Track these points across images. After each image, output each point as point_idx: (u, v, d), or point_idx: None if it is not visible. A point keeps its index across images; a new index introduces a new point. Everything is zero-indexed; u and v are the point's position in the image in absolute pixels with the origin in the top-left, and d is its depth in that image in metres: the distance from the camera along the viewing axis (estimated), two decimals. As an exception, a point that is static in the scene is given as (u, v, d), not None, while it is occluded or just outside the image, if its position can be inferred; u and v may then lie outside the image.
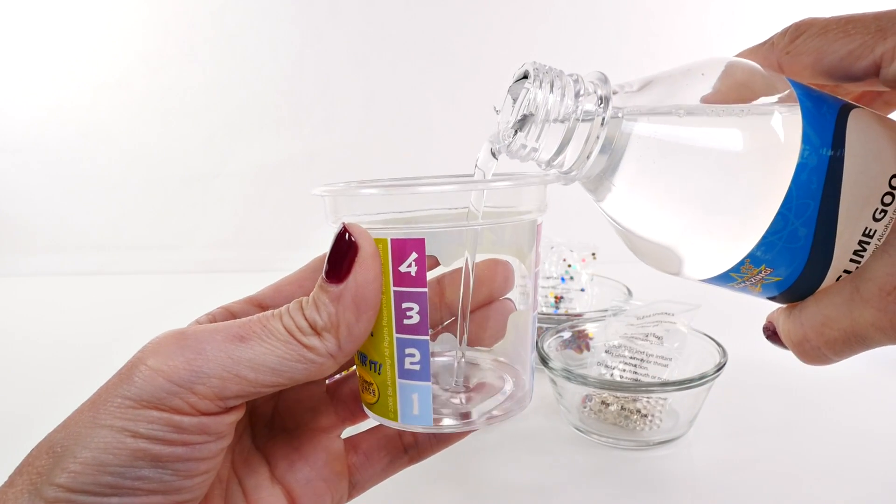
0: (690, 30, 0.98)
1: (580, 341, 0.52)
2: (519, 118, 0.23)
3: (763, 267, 0.22)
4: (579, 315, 0.56)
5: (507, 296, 0.27)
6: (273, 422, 0.28)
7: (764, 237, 0.21)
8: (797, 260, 0.22)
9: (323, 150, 1.04)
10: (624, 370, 0.47)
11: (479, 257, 0.26)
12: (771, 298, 0.25)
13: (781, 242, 0.21)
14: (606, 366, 0.48)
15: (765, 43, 0.24)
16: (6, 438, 0.48)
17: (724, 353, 0.44)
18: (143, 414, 0.20)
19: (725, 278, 0.23)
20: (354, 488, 0.28)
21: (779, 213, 0.21)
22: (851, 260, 0.22)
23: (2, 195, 1.04)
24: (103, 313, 0.84)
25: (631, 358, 0.48)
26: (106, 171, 1.04)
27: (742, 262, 0.22)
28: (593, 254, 0.68)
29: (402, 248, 0.22)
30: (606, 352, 0.49)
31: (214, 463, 0.22)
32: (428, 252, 0.22)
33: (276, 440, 0.28)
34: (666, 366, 0.46)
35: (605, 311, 0.53)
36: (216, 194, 1.05)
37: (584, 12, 0.99)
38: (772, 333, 0.25)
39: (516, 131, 0.23)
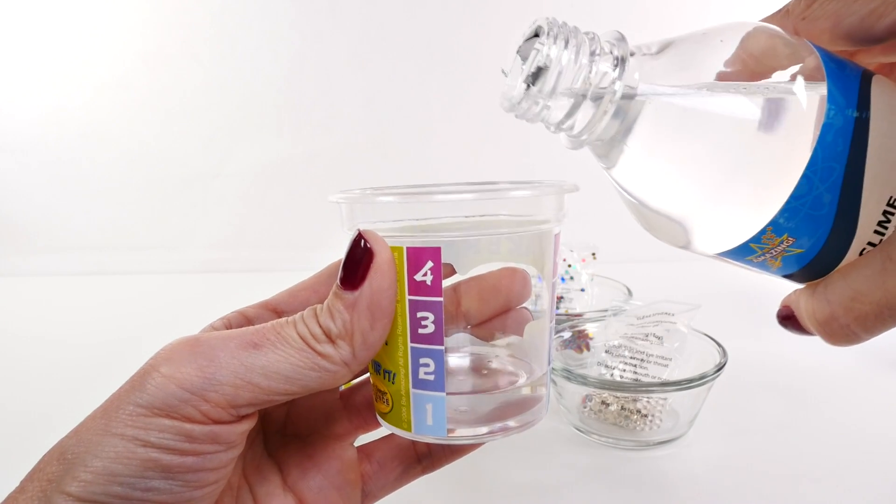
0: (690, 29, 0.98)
1: (580, 341, 0.52)
2: (532, 71, 0.21)
3: (786, 236, 0.21)
4: (579, 315, 0.56)
5: (524, 305, 0.27)
6: (286, 428, 0.28)
7: (788, 202, 0.20)
8: (821, 229, 0.21)
9: (323, 151, 1.04)
10: (624, 370, 0.47)
11: (496, 265, 0.26)
12: (788, 276, 0.23)
13: (805, 209, 0.20)
14: (606, 366, 0.48)
15: (779, 11, 0.23)
16: (4, 437, 0.48)
17: (724, 353, 0.44)
18: (155, 422, 0.20)
19: (744, 250, 0.22)
20: (367, 497, 0.28)
21: (803, 176, 0.20)
22: (876, 231, 0.21)
23: (2, 195, 1.05)
24: (103, 313, 0.84)
25: (631, 358, 0.48)
26: (106, 171, 1.04)
27: (763, 231, 0.21)
28: (593, 254, 0.68)
29: (417, 256, 0.22)
30: (606, 352, 0.49)
31: (224, 473, 0.22)
32: (444, 260, 0.22)
33: (288, 447, 0.27)
34: (666, 366, 0.46)
35: (605, 311, 0.53)
36: (216, 194, 1.05)
37: (584, 11, 0.99)
38: (786, 317, 0.24)
39: (528, 85, 0.22)
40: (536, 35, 0.22)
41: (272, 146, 1.05)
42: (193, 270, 1.03)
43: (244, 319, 0.26)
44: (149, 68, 1.01)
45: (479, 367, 0.28)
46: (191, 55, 1.01)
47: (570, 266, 0.67)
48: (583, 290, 0.67)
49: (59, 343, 0.70)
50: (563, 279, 0.67)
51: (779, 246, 0.22)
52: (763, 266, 0.23)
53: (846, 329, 0.21)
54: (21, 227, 1.05)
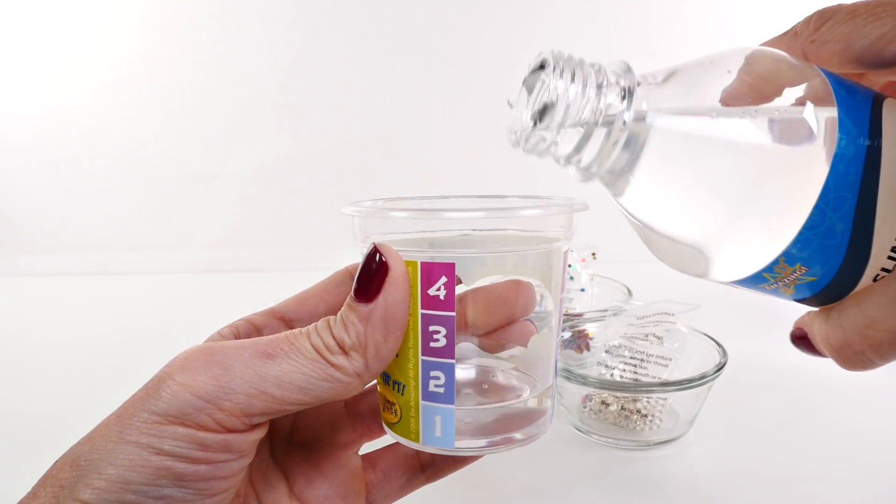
0: (690, 29, 0.98)
1: (580, 341, 0.52)
2: (539, 107, 0.21)
3: (798, 266, 0.21)
4: (579, 315, 0.56)
5: (529, 318, 0.27)
6: (292, 437, 0.28)
7: (800, 233, 0.20)
8: (834, 258, 0.21)
9: (323, 150, 1.04)
10: (624, 370, 0.47)
11: (501, 278, 0.26)
12: (802, 301, 0.23)
13: (818, 239, 0.20)
14: (606, 366, 0.48)
15: (787, 33, 0.23)
16: (3, 437, 0.48)
17: (724, 353, 0.44)
18: (169, 430, 0.20)
19: (757, 279, 0.22)
20: None
21: (816, 207, 0.20)
22: (889, 258, 0.21)
23: (2, 195, 1.05)
24: (103, 313, 0.84)
25: (631, 358, 0.48)
26: (106, 171, 1.04)
27: (776, 261, 0.21)
28: (593, 254, 0.68)
29: (431, 271, 0.22)
30: (606, 352, 0.49)
31: (235, 481, 0.22)
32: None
33: (294, 455, 0.28)
34: (666, 366, 0.46)
35: (605, 311, 0.53)
36: (216, 194, 1.05)
37: (584, 11, 0.99)
38: (799, 338, 0.24)
39: (535, 122, 0.22)
40: (542, 66, 0.22)
41: (272, 146, 1.05)
42: (193, 270, 1.03)
43: (252, 327, 0.27)
44: (149, 68, 1.01)
45: (484, 380, 0.28)
46: (191, 55, 1.01)
47: (570, 266, 0.67)
48: (583, 290, 0.67)
49: (59, 343, 0.70)
50: (563, 279, 0.67)
51: (791, 275, 0.21)
52: (776, 293, 0.23)
53: (861, 356, 0.21)
54: (21, 227, 1.05)
